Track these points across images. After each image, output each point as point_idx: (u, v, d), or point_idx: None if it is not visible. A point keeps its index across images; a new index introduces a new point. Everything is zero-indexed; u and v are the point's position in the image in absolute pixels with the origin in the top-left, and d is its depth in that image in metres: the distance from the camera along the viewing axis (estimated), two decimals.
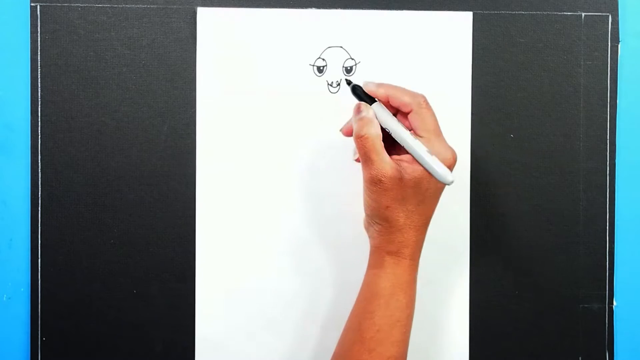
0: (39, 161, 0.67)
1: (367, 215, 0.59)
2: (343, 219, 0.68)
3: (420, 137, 0.57)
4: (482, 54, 0.68)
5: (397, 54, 0.68)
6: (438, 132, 0.57)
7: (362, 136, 0.56)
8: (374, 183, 0.56)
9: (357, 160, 0.59)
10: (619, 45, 0.69)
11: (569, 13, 0.68)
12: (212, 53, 0.67)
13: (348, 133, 0.60)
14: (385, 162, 0.56)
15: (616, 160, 0.69)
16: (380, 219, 0.58)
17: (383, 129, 0.58)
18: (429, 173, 0.56)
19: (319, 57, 0.68)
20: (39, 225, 0.67)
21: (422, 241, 0.59)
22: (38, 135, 0.67)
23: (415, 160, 0.56)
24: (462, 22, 0.68)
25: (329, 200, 0.68)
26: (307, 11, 0.68)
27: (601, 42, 0.68)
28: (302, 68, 0.68)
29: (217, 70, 0.67)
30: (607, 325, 0.69)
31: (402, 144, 0.57)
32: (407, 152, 0.57)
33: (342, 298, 0.62)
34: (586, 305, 0.69)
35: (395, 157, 0.57)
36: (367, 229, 0.61)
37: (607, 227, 0.69)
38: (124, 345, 0.68)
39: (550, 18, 0.68)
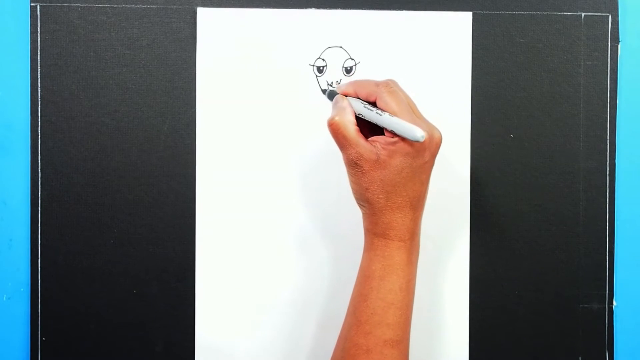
0: (39, 161, 0.67)
1: (355, 200, 0.60)
2: (343, 219, 0.68)
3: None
4: (482, 54, 0.68)
5: (397, 54, 0.68)
6: (409, 111, 0.57)
7: (332, 122, 0.57)
8: (351, 166, 0.57)
9: None
10: (619, 45, 0.69)
11: (569, 13, 0.68)
12: (212, 53, 0.67)
13: None
14: (360, 145, 0.56)
15: (616, 160, 0.69)
16: (363, 201, 0.58)
17: (360, 119, 0.58)
18: (401, 139, 0.55)
19: (319, 57, 0.68)
20: (39, 225, 0.67)
21: (412, 224, 0.58)
22: (38, 135, 0.67)
23: (388, 141, 0.56)
24: (461, 22, 0.68)
25: (329, 201, 0.68)
26: (307, 11, 0.68)
27: (601, 42, 0.68)
28: (302, 68, 0.68)
29: (217, 70, 0.67)
30: (607, 325, 0.69)
31: (374, 121, 0.57)
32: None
33: (343, 298, 0.62)
34: (586, 305, 0.69)
35: (372, 138, 0.57)
36: None
37: (607, 227, 0.69)
38: (124, 345, 0.68)
39: (550, 18, 0.68)
